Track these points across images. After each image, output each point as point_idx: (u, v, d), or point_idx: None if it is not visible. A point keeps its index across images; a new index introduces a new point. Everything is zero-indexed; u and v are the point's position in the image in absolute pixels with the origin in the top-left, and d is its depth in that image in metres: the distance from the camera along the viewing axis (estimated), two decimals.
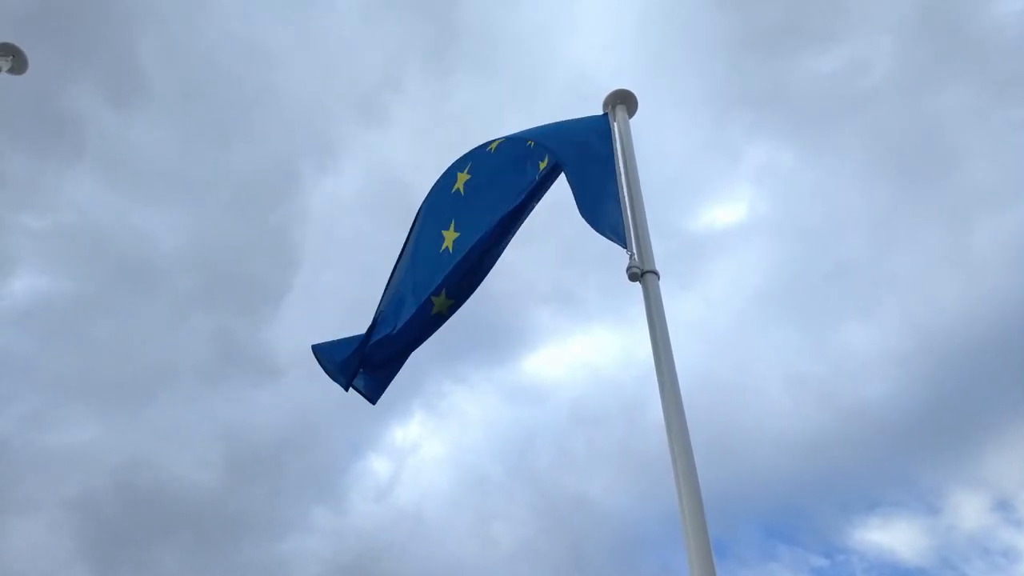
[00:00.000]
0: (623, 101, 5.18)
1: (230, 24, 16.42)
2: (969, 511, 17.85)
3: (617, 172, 4.77)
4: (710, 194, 20.26)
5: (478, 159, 5.32)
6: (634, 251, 4.29)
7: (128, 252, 16.71)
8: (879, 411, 17.23)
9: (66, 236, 16.36)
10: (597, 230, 4.45)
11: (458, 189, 5.26)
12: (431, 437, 20.16)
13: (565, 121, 5.24)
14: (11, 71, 6.16)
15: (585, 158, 4.87)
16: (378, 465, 19.90)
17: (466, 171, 5.30)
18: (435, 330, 5.18)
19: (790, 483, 18.20)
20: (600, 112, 5.32)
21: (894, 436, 17.31)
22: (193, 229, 17.52)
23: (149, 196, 16.94)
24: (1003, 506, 17.23)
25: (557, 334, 20.51)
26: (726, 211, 20.40)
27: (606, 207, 4.60)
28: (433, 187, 5.47)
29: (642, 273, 4.14)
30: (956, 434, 17.09)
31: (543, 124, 5.30)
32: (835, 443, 17.19)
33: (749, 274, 19.43)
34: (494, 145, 5.27)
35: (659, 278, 4.15)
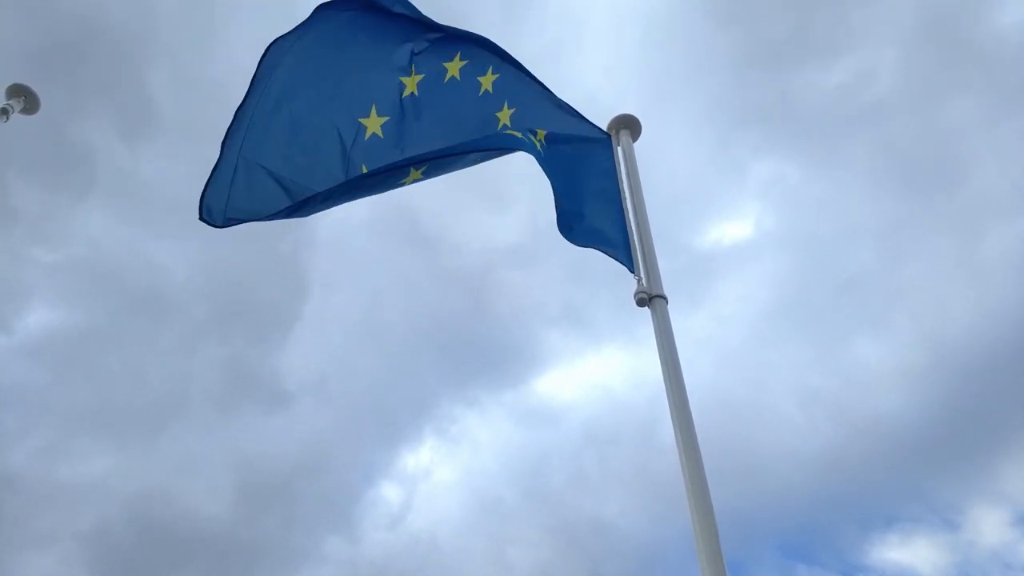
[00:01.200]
0: (627, 126, 5.17)
1: (239, 56, 16.60)
2: (988, 526, 17.64)
3: (622, 197, 4.79)
4: (717, 211, 20.32)
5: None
6: (642, 276, 4.30)
7: (140, 283, 16.87)
8: (894, 425, 17.11)
9: (78, 269, 16.54)
10: (597, 247, 4.55)
11: (412, 92, 5.01)
12: (443, 462, 20.13)
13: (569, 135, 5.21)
14: (24, 111, 6.28)
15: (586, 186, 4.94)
16: (390, 492, 19.88)
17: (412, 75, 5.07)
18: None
19: (806, 500, 18.05)
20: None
21: (910, 450, 17.17)
22: (204, 259, 17.66)
23: (160, 227, 17.10)
24: (1023, 520, 17.02)
25: (568, 355, 20.52)
26: (734, 228, 20.44)
27: (608, 228, 4.68)
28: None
29: (650, 298, 4.14)
30: (973, 447, 16.95)
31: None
32: (851, 459, 17.06)
33: (758, 290, 19.42)
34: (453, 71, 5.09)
35: (667, 302, 4.14)
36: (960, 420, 16.82)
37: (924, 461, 17.58)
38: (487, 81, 5.13)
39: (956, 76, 17.53)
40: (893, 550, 18.18)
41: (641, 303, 4.14)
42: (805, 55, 18.43)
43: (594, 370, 20.70)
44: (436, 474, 19.95)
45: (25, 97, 6.28)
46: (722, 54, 19.00)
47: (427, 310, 19.37)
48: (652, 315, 4.07)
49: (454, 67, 5.13)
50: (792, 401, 18.53)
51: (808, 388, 18.59)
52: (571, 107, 5.24)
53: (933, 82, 17.79)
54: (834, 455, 17.29)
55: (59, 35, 13.96)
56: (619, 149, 5.11)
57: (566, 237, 4.82)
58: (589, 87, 18.82)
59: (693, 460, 3.42)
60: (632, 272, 4.36)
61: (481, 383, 20.86)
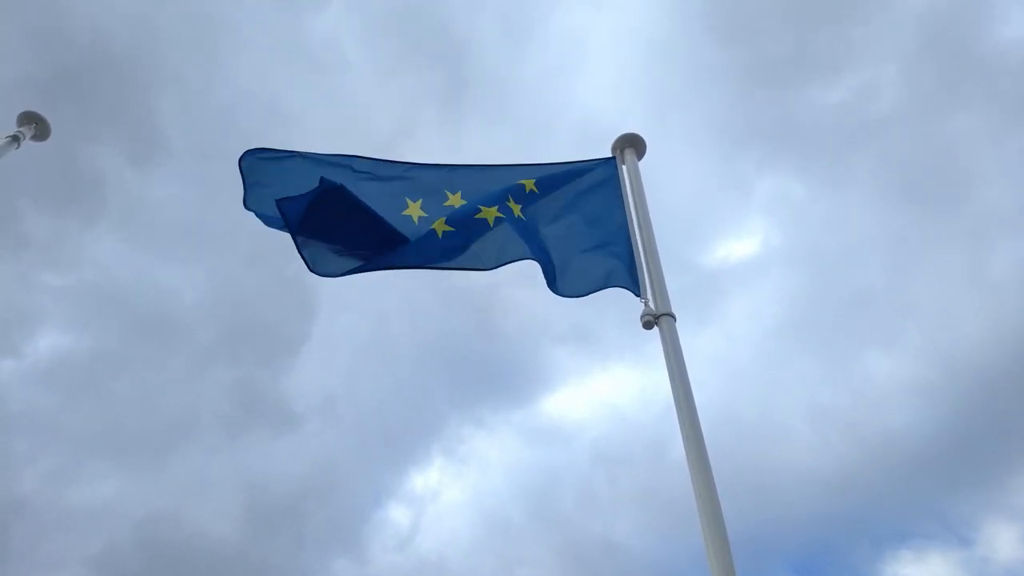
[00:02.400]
0: (631, 144, 5.20)
1: (245, 82, 16.79)
2: (1003, 542, 17.44)
3: (628, 215, 4.79)
4: (723, 229, 20.33)
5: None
6: (648, 297, 4.29)
7: (149, 307, 16.92)
8: (905, 441, 16.97)
9: (88, 293, 16.61)
10: (602, 288, 4.59)
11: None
12: (451, 483, 20.04)
13: (568, 177, 5.23)
14: (34, 138, 6.35)
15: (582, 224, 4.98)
16: (399, 513, 19.78)
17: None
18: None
19: (819, 518, 17.88)
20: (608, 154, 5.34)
21: (922, 466, 17.03)
22: (212, 283, 17.73)
23: (169, 252, 17.20)
24: None
25: (576, 374, 20.45)
26: (740, 245, 20.44)
27: (610, 256, 4.69)
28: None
29: (658, 317, 4.12)
30: (985, 461, 16.79)
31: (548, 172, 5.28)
32: (862, 476, 16.91)
33: (767, 307, 19.36)
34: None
35: (676, 320, 4.13)
36: (972, 434, 16.70)
37: (937, 477, 17.44)
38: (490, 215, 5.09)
39: (958, 91, 17.58)
40: (907, 567, 17.99)
41: (648, 326, 4.12)
42: (807, 72, 18.53)
43: (602, 388, 20.66)
44: (444, 495, 19.88)
45: (36, 124, 6.35)
46: (724, 72, 19.11)
47: (434, 330, 19.37)
48: (661, 333, 4.06)
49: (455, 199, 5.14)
50: (803, 418, 18.43)
51: (818, 405, 18.49)
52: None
53: (935, 97, 17.84)
54: (846, 472, 17.16)
55: (69, 63, 14.13)
56: (624, 168, 5.13)
57: (561, 293, 4.82)
58: (592, 107, 18.95)
59: (704, 478, 3.41)
60: (638, 296, 4.35)
61: (489, 403, 20.83)
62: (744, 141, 19.26)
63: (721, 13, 18.56)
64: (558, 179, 5.19)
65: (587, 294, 4.75)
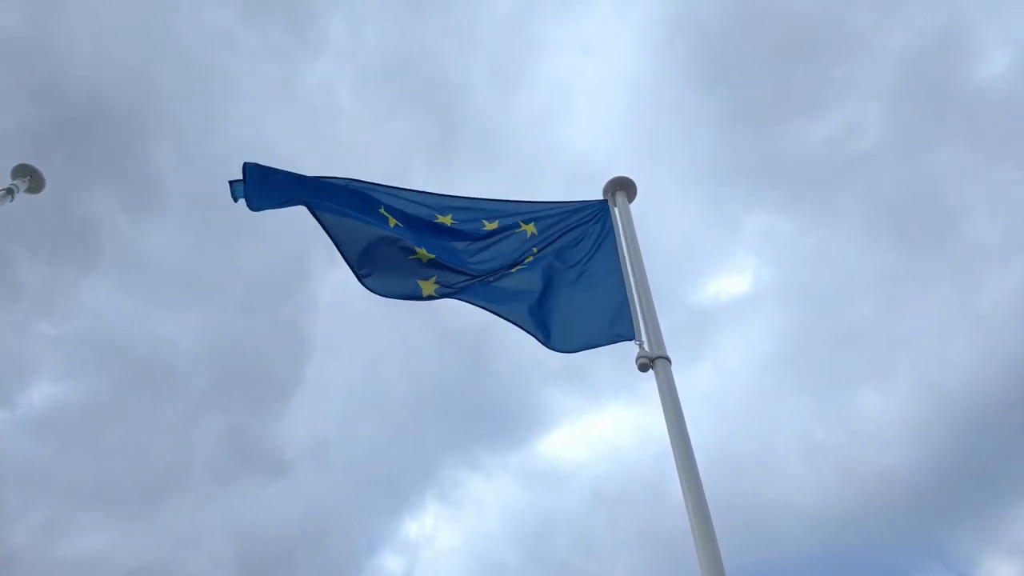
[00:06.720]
0: (622, 187, 5.24)
1: (240, 131, 16.95)
2: None
3: (621, 258, 4.82)
4: (714, 267, 20.47)
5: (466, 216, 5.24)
6: (643, 339, 4.28)
7: (143, 355, 16.84)
8: (901, 478, 16.89)
9: (82, 342, 16.53)
10: (597, 345, 4.59)
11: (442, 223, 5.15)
12: (446, 528, 19.81)
13: (562, 217, 5.28)
14: (29, 191, 6.37)
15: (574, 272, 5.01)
16: (393, 560, 19.50)
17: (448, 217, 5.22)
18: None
19: (817, 557, 17.70)
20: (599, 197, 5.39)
21: (919, 503, 16.93)
22: (206, 329, 17.69)
23: (163, 299, 17.19)
24: None
25: (571, 414, 20.36)
26: (731, 282, 20.57)
27: (607, 307, 4.69)
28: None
29: (653, 359, 4.10)
30: (983, 496, 16.70)
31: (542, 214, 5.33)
32: (859, 513, 16.78)
33: (759, 344, 19.41)
34: (492, 225, 5.21)
35: (671, 364, 4.10)
36: (968, 468, 16.63)
37: (934, 513, 17.32)
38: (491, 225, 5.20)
39: (941, 127, 17.89)
40: None
41: (643, 368, 4.09)
42: (790, 111, 18.84)
43: (599, 428, 20.56)
44: (439, 540, 19.64)
45: (30, 177, 6.38)
46: (709, 114, 19.43)
47: (427, 372, 19.31)
48: (656, 377, 4.03)
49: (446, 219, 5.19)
50: (797, 455, 18.35)
51: (813, 441, 18.43)
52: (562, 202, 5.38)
53: (918, 133, 18.14)
54: (842, 509, 17.04)
55: (65, 113, 14.27)
56: (616, 211, 5.17)
57: (561, 349, 4.79)
58: (581, 152, 19.20)
59: (702, 521, 3.39)
60: (632, 339, 4.33)
61: (484, 445, 20.68)
62: (731, 180, 19.52)
63: (705, 55, 18.94)
64: (557, 221, 5.23)
65: (583, 349, 4.72)
